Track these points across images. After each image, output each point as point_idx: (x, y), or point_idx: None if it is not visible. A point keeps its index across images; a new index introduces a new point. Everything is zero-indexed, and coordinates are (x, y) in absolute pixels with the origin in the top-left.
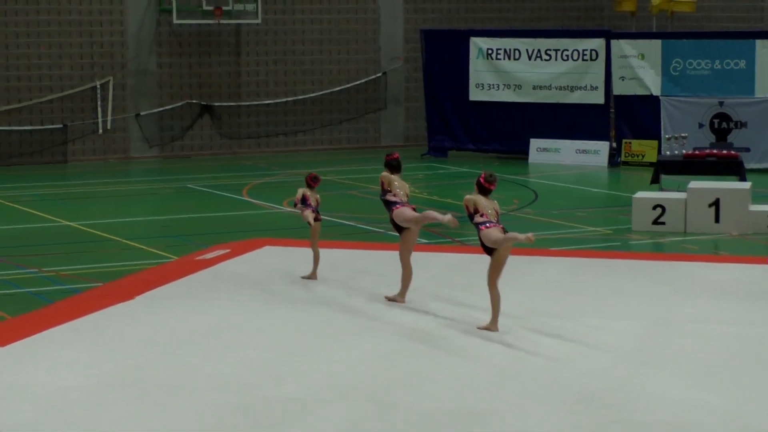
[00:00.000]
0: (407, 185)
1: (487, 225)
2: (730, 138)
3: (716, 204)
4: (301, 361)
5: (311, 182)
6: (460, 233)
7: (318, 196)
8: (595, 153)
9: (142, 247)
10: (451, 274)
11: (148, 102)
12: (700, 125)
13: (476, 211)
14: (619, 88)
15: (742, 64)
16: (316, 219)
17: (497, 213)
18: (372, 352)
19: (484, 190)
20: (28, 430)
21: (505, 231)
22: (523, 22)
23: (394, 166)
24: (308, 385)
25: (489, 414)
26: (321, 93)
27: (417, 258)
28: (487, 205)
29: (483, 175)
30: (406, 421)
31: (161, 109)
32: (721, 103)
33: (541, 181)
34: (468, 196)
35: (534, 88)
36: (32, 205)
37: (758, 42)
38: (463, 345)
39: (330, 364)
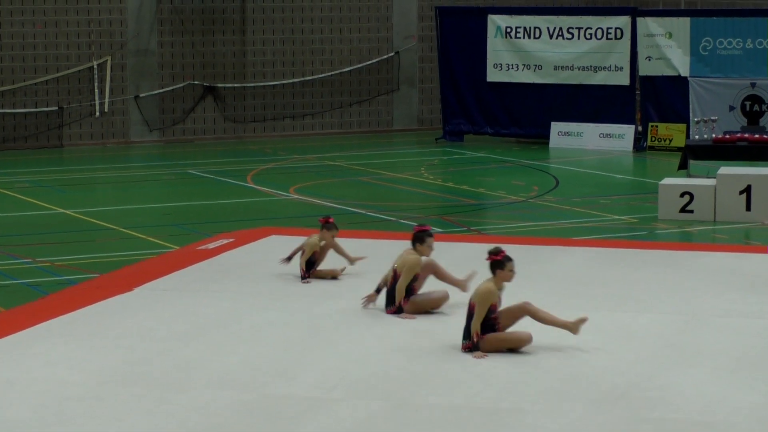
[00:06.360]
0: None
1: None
2: (763, 121)
3: (747, 191)
4: (311, 357)
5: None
6: (478, 223)
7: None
8: (619, 137)
9: (141, 236)
10: (468, 265)
11: (149, 83)
12: (731, 108)
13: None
14: (645, 69)
15: None
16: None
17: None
18: (385, 348)
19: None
20: (26, 426)
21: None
22: None
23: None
24: (319, 383)
25: (509, 412)
26: (330, 74)
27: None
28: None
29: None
30: (422, 420)
31: (162, 90)
32: (753, 85)
33: (563, 166)
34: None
35: (555, 68)
36: (26, 192)
37: None
38: None
39: (341, 360)
